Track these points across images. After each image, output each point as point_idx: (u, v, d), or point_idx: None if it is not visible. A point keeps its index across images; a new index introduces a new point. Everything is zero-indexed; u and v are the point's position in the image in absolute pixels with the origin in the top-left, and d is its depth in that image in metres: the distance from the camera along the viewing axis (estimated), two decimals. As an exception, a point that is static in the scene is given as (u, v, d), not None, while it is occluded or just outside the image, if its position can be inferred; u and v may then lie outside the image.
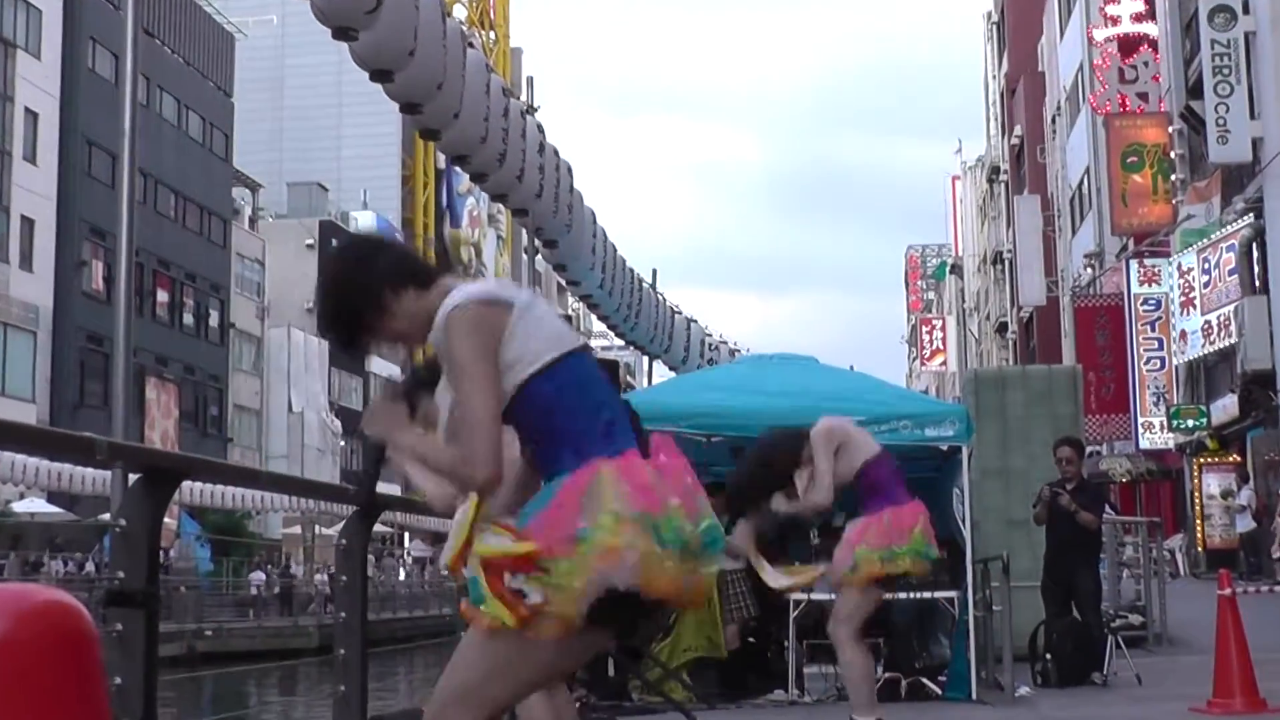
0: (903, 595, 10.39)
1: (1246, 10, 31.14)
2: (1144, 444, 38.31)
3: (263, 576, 46.34)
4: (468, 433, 3.12)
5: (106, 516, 27.38)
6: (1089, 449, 30.61)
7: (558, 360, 3.19)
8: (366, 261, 3.37)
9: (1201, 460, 33.36)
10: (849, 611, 7.35)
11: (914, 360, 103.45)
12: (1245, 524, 28.80)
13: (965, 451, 10.90)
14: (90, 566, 36.80)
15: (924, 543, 7.28)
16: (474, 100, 12.30)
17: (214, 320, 55.74)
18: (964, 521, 10.66)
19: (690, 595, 3.15)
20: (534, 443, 3.21)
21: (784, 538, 12.51)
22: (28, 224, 44.16)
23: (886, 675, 10.40)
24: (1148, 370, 37.82)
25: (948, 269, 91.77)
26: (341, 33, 10.21)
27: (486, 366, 3.14)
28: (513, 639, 3.07)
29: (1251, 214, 30.56)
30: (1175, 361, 36.45)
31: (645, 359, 26.16)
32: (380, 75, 10.97)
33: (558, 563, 3.00)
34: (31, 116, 44.60)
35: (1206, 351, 33.35)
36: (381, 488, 4.61)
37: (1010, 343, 64.19)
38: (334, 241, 65.74)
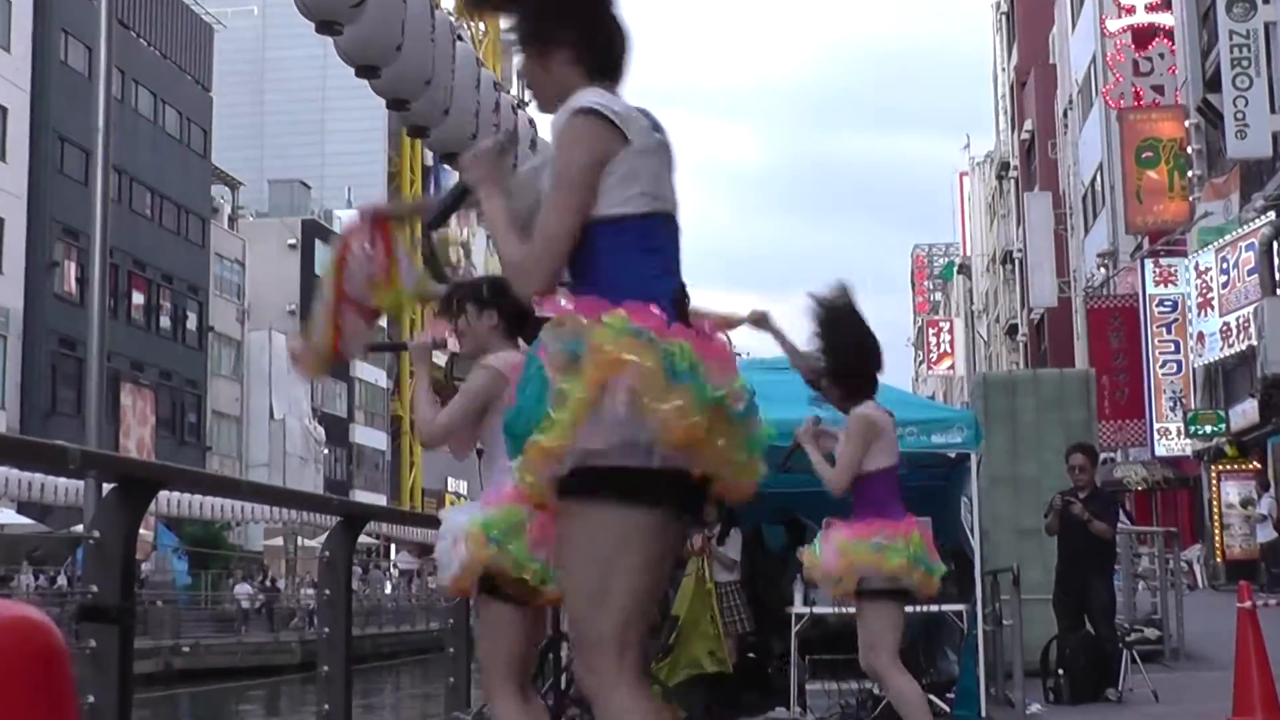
0: (909, 608, 10.38)
1: (1266, 0, 31.19)
2: (1160, 451, 38.31)
3: (249, 589, 46.35)
4: (539, 240, 3.17)
5: (79, 528, 27.36)
6: (1102, 456, 30.61)
7: (638, 215, 3.19)
8: (567, 11, 3.34)
9: (1220, 467, 33.37)
10: (873, 636, 6.95)
11: (920, 364, 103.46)
12: (1267, 534, 28.77)
13: (974, 459, 10.89)
14: (62, 580, 36.74)
15: (924, 550, 6.86)
16: (464, 96, 12.27)
17: (192, 323, 55.69)
18: (973, 531, 10.66)
19: (729, 465, 3.14)
20: (575, 280, 3.22)
21: (786, 551, 12.52)
22: (-3, 223, 44.15)
23: (892, 692, 10.40)
24: (1164, 374, 37.84)
25: (955, 269, 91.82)
26: (325, 26, 10.16)
27: (584, 183, 3.15)
28: (594, 525, 3.07)
29: (1272, 211, 30.59)
30: (1192, 365, 36.47)
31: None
32: (366, 71, 10.93)
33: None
34: (1, 111, 44.58)
35: (1225, 354, 33.37)
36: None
37: (1020, 345, 64.24)
38: (317, 242, 65.78)
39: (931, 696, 10.63)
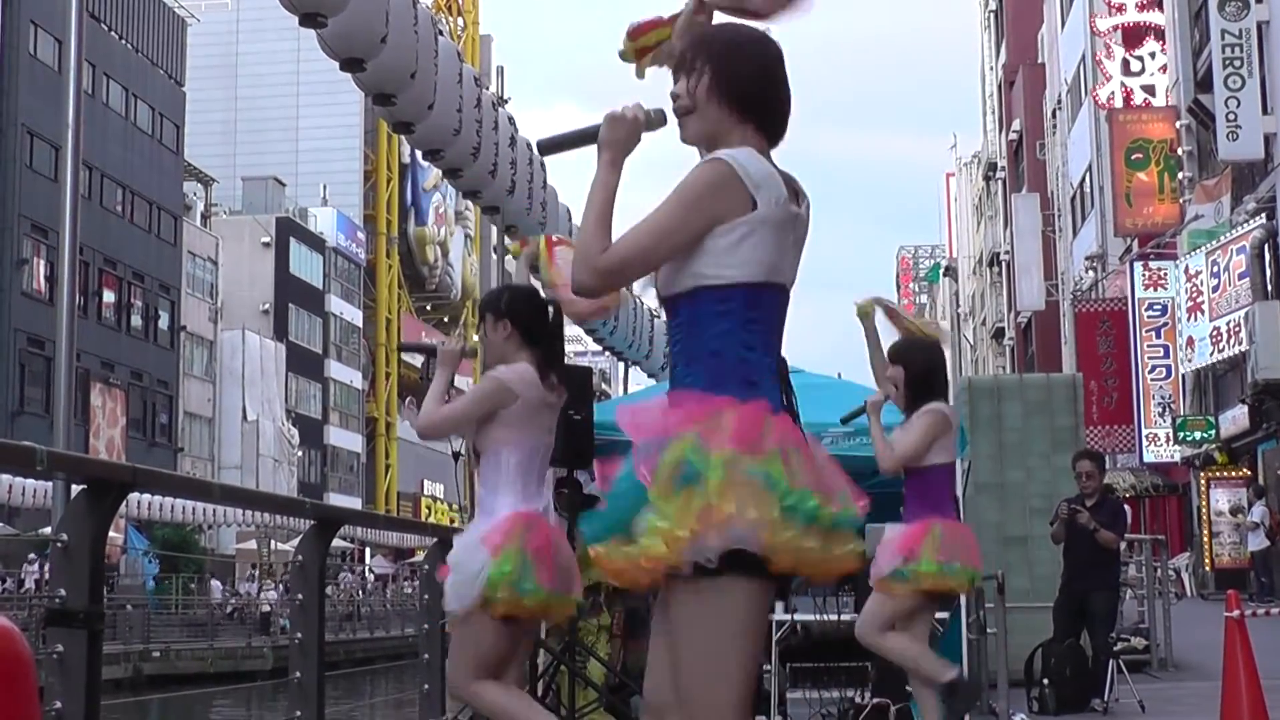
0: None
1: (1259, -1, 31.29)
2: (1148, 457, 38.39)
3: (219, 585, 46.45)
4: (618, 247, 3.15)
5: (47, 531, 27.30)
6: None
7: (746, 284, 3.17)
8: (769, 97, 3.32)
9: (1209, 474, 33.42)
10: (875, 618, 7.13)
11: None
12: (1258, 542, 28.73)
13: (959, 465, 10.91)
14: (29, 584, 36.63)
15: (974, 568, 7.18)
16: (447, 91, 12.26)
17: (163, 322, 55.54)
18: (958, 538, 10.67)
19: (815, 560, 3.18)
20: (673, 343, 3.24)
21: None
22: (-35, 219, 43.99)
23: (875, 701, 10.41)
24: (1152, 379, 37.92)
25: (941, 271, 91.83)
26: (309, 19, 10.14)
27: (685, 218, 3.14)
28: (719, 598, 3.11)
29: (1263, 214, 30.68)
30: (1182, 370, 36.55)
31: (621, 365, 26.11)
32: (351, 64, 10.91)
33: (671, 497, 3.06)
34: (-31, 105, 44.44)
35: (1215, 359, 33.44)
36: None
37: (1007, 350, 64.34)
38: (291, 240, 65.64)
39: (914, 706, 10.67)
